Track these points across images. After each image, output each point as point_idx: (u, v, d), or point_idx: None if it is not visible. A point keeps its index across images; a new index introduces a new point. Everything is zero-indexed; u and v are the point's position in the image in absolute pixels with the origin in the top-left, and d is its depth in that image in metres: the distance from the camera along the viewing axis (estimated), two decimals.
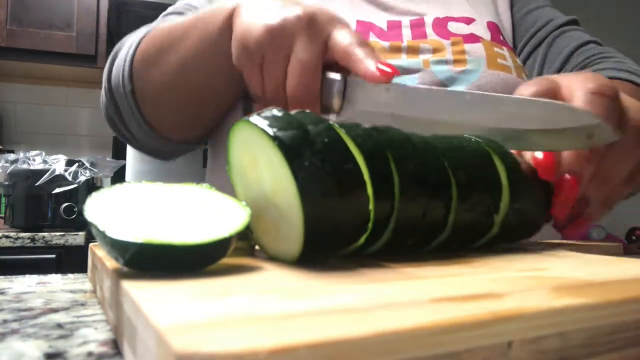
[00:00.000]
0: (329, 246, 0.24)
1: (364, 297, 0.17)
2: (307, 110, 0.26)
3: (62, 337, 0.21)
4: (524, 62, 0.71)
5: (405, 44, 0.62)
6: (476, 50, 0.61)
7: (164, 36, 0.53)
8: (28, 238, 1.49)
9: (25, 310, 0.26)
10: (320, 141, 0.23)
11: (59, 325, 0.23)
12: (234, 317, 0.14)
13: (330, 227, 0.23)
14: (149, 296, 0.16)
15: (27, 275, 0.39)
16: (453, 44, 0.62)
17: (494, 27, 0.67)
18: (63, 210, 1.58)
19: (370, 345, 0.12)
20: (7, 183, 1.56)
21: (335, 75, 0.38)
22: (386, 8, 0.68)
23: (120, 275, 0.20)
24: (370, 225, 0.25)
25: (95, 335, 0.22)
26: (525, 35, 0.72)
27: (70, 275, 0.40)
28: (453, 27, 0.65)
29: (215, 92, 0.53)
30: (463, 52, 0.61)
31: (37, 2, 1.90)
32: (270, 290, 0.18)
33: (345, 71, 0.39)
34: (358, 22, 0.64)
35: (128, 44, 0.58)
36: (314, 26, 0.38)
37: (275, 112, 0.25)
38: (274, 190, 0.24)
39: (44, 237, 1.51)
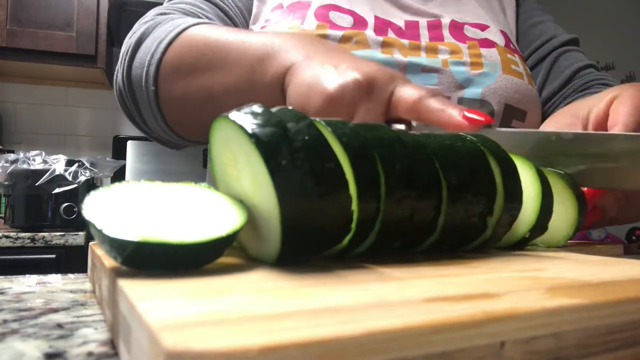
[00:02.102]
0: (309, 248, 0.23)
1: (355, 296, 0.17)
2: (290, 107, 0.26)
3: (62, 337, 0.21)
4: None
5: (424, 44, 0.62)
6: (492, 54, 0.62)
7: (200, 53, 0.50)
8: (28, 238, 1.49)
9: (25, 310, 0.26)
10: (300, 139, 0.23)
11: (59, 325, 0.23)
12: (225, 315, 0.14)
13: (309, 228, 0.22)
14: (143, 294, 0.16)
15: (27, 275, 0.39)
16: (469, 47, 0.63)
17: (505, 36, 0.68)
18: (63, 210, 1.58)
19: (361, 344, 0.13)
20: (7, 183, 1.56)
21: (399, 126, 0.38)
22: (402, 7, 0.68)
23: (117, 273, 0.20)
24: (353, 226, 0.24)
25: (95, 335, 0.22)
26: (530, 47, 0.74)
27: (70, 275, 0.40)
28: (469, 31, 0.66)
29: None
30: (479, 55, 0.62)
31: (37, 2, 1.90)
32: (262, 289, 0.18)
33: (406, 123, 0.39)
34: (376, 17, 0.64)
35: (157, 36, 0.54)
36: (374, 90, 0.38)
37: (256, 108, 0.24)
38: (252, 189, 0.24)
39: (44, 237, 1.51)
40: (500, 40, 0.66)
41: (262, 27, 0.64)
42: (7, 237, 1.47)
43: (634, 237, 2.39)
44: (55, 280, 0.37)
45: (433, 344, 0.14)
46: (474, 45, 0.63)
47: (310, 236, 0.23)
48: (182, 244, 0.20)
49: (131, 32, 0.59)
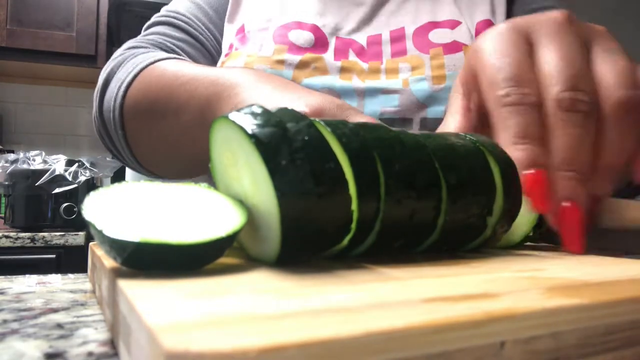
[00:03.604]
0: (309, 248, 0.23)
1: (355, 297, 0.17)
2: (289, 107, 0.26)
3: (62, 337, 0.21)
4: None
5: (384, 65, 0.61)
6: (456, 62, 0.60)
7: (155, 97, 0.51)
8: (28, 238, 1.49)
9: (25, 310, 0.26)
10: (299, 139, 0.23)
11: (59, 325, 0.23)
12: (225, 316, 0.14)
13: (309, 229, 0.22)
14: (143, 295, 0.16)
15: (27, 275, 0.39)
16: (432, 57, 0.61)
17: (484, 26, 0.65)
18: (63, 210, 1.58)
19: (361, 344, 0.13)
20: (7, 183, 1.56)
21: None
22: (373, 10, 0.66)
23: (116, 274, 0.20)
24: (353, 226, 0.24)
25: (95, 335, 0.22)
26: None
27: (70, 275, 0.40)
28: (435, 35, 0.64)
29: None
30: (443, 66, 0.60)
31: (37, 2, 1.91)
32: (262, 290, 0.18)
33: None
34: (337, 39, 0.63)
35: (119, 77, 0.56)
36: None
37: (255, 108, 0.24)
38: (252, 189, 0.24)
39: (44, 237, 1.51)
40: (469, 39, 0.64)
41: (226, 55, 0.64)
42: (7, 237, 1.47)
43: None
44: (55, 280, 0.37)
45: (433, 344, 0.14)
46: (438, 54, 0.61)
47: (310, 236, 0.23)
48: (182, 244, 0.20)
49: (104, 67, 0.61)
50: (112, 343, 0.21)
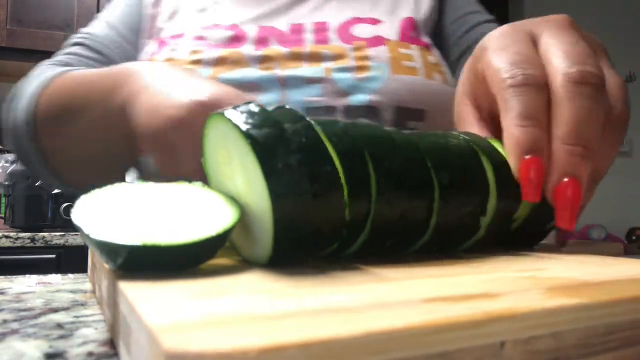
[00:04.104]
0: (302, 250, 0.23)
1: (354, 297, 0.17)
2: (287, 107, 0.25)
3: (62, 337, 0.21)
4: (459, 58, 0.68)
5: (307, 49, 0.60)
6: (380, 54, 0.59)
7: (64, 96, 0.51)
8: (28, 238, 1.49)
9: (25, 310, 0.26)
10: (296, 141, 0.22)
11: (59, 325, 0.23)
12: (224, 316, 0.14)
13: (302, 232, 0.22)
14: (142, 295, 0.16)
15: (27, 275, 0.39)
16: (356, 48, 0.60)
17: (408, 24, 0.64)
18: (63, 210, 1.58)
19: (361, 344, 0.13)
20: (7, 183, 1.57)
21: None
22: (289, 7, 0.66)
23: (116, 274, 0.20)
24: (345, 230, 0.24)
25: (95, 335, 0.22)
26: (455, 40, 0.70)
27: (70, 275, 0.40)
28: (358, 30, 0.63)
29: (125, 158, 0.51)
30: (366, 57, 0.59)
31: (37, 2, 1.91)
32: (260, 290, 0.18)
33: None
34: (259, 27, 0.63)
35: (27, 90, 0.56)
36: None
37: (253, 107, 0.24)
38: (245, 189, 0.23)
39: (44, 237, 1.51)
40: (393, 34, 0.62)
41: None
42: (7, 237, 1.47)
43: (634, 237, 2.39)
44: (55, 280, 0.37)
45: (433, 344, 0.14)
46: (361, 46, 0.60)
47: (303, 239, 0.22)
48: (171, 245, 0.20)
49: (13, 87, 0.62)
50: (112, 343, 0.21)
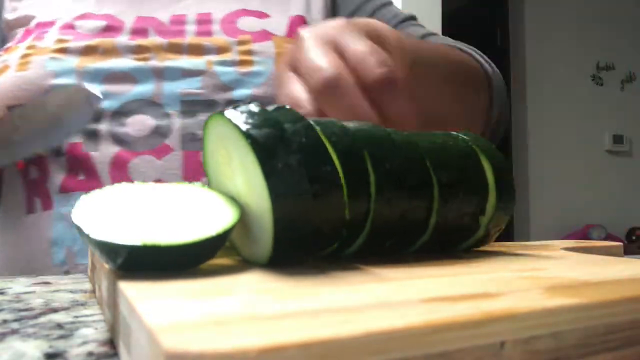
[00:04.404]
0: (301, 250, 0.23)
1: (354, 297, 0.17)
2: (287, 107, 0.25)
3: (62, 337, 0.21)
4: None
5: (187, 40, 0.58)
6: (265, 49, 0.58)
7: None
8: None
9: (25, 310, 0.26)
10: (296, 141, 0.22)
11: (59, 325, 0.23)
12: (224, 316, 0.14)
13: (302, 232, 0.22)
14: (142, 295, 0.17)
15: (27, 275, 0.39)
16: (240, 43, 0.59)
17: (298, 21, 0.64)
18: None
19: (361, 344, 0.13)
20: None
21: None
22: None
23: (116, 274, 0.20)
24: (345, 230, 0.24)
25: (95, 335, 0.22)
26: None
27: (70, 275, 0.40)
28: (243, 23, 0.62)
29: None
30: (250, 52, 0.58)
31: None
32: (261, 290, 0.18)
33: None
34: (136, 18, 0.61)
35: None
36: None
37: (253, 107, 0.24)
38: (245, 189, 0.23)
39: None
40: (281, 30, 0.61)
41: (3, 51, 0.61)
42: None
43: (634, 237, 2.39)
44: (55, 280, 0.37)
45: (433, 344, 0.14)
46: (247, 40, 0.59)
47: (303, 239, 0.22)
48: (171, 245, 0.20)
49: None
50: (112, 343, 0.21)
